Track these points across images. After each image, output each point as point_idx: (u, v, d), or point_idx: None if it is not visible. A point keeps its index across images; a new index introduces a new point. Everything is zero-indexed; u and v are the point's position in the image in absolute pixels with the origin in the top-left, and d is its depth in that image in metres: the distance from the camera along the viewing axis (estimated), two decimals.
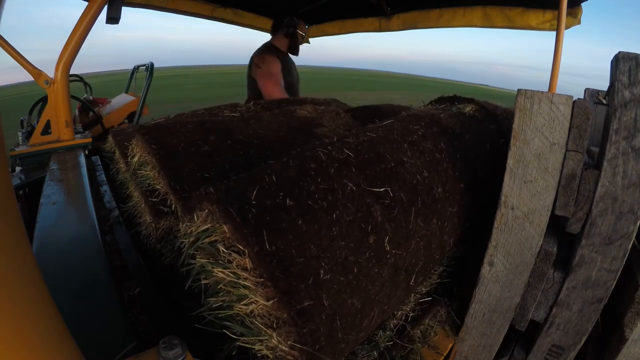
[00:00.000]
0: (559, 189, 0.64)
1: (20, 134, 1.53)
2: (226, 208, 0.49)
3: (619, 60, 0.58)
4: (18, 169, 1.41)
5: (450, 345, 0.82)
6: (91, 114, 2.38)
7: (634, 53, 0.58)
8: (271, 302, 0.45)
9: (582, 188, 0.62)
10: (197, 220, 0.53)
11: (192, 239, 0.54)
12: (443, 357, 0.79)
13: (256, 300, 0.46)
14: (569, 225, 0.65)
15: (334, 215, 0.56)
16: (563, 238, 0.70)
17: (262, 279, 0.46)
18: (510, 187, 0.68)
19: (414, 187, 0.73)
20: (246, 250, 0.47)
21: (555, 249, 0.68)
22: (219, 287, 0.50)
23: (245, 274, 0.47)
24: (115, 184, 1.10)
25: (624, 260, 0.61)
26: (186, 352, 0.43)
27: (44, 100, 1.58)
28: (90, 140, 1.58)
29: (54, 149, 1.46)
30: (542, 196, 0.66)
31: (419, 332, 0.77)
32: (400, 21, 2.61)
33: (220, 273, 0.49)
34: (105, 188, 1.15)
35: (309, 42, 3.23)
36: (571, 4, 1.65)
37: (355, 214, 0.59)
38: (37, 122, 1.52)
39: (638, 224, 0.58)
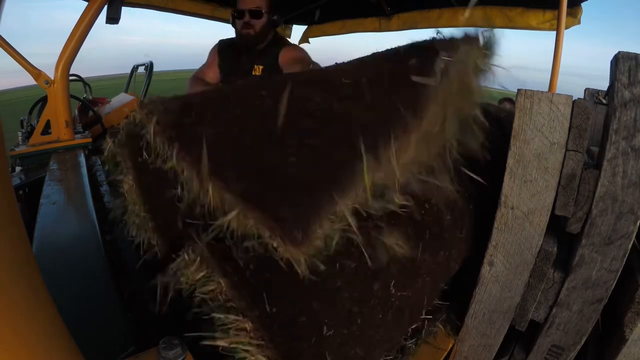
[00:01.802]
0: (559, 189, 0.64)
1: (20, 134, 1.53)
2: (222, 262, 0.46)
3: (618, 60, 0.58)
4: (18, 169, 1.41)
5: (450, 345, 0.82)
6: (91, 113, 2.38)
7: (634, 53, 0.58)
8: None
9: (582, 188, 0.62)
10: (190, 263, 0.50)
11: (187, 288, 0.50)
12: (443, 357, 0.79)
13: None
14: (569, 225, 0.65)
15: (337, 265, 0.52)
16: (563, 238, 0.70)
17: (263, 342, 0.44)
18: (510, 187, 0.68)
19: (422, 217, 0.67)
20: (245, 313, 0.45)
21: (555, 249, 0.68)
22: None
23: (245, 339, 0.45)
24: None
25: (624, 260, 0.61)
26: (186, 352, 0.43)
27: (43, 100, 1.57)
28: (90, 140, 1.58)
29: (54, 149, 1.46)
30: (542, 196, 0.66)
31: (418, 337, 0.76)
32: (401, 21, 2.61)
33: (220, 342, 0.46)
34: (105, 188, 1.15)
35: (308, 42, 3.23)
36: (571, 4, 1.65)
37: (360, 259, 0.55)
38: (37, 122, 1.52)
39: (638, 224, 0.58)
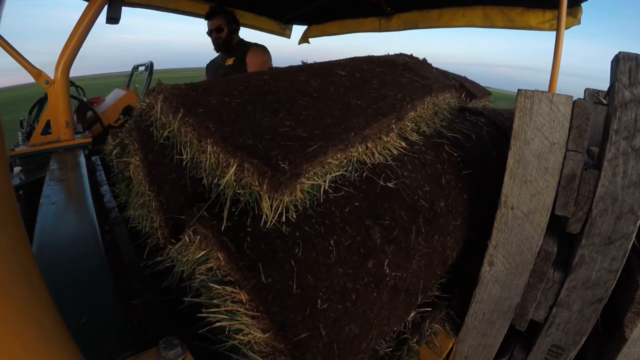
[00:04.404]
0: (559, 189, 0.64)
1: (20, 134, 1.53)
2: (221, 236, 0.47)
3: (619, 61, 0.58)
4: (18, 169, 1.41)
5: (450, 345, 0.82)
6: (89, 113, 2.38)
7: (634, 53, 0.58)
8: (267, 334, 0.45)
9: (582, 188, 0.62)
10: (191, 244, 0.51)
11: (188, 268, 0.52)
12: (443, 357, 0.79)
13: (253, 332, 0.45)
14: (569, 225, 0.65)
15: (332, 241, 0.54)
16: (563, 238, 0.70)
17: (258, 313, 0.45)
18: (510, 187, 0.68)
19: (415, 203, 0.69)
20: (242, 284, 0.46)
21: (555, 249, 0.68)
22: (216, 319, 0.49)
23: (241, 310, 0.45)
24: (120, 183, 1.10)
25: (624, 260, 0.61)
26: (186, 352, 0.43)
27: (44, 100, 1.57)
28: (90, 140, 1.58)
29: (54, 149, 1.46)
30: (542, 196, 0.66)
31: (418, 335, 0.77)
32: (400, 21, 2.60)
33: (217, 316, 0.47)
34: (105, 188, 1.15)
35: (308, 42, 3.23)
36: (571, 4, 1.65)
37: (354, 237, 0.57)
38: (37, 122, 1.52)
39: (638, 224, 0.58)
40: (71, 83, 2.69)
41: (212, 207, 0.53)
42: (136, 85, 2.97)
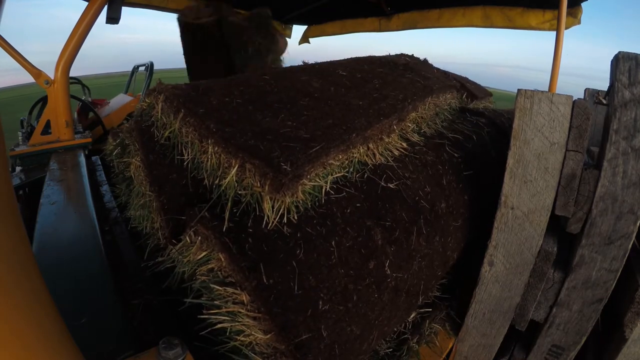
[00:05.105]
0: (559, 189, 0.64)
1: (20, 134, 1.53)
2: (222, 237, 0.47)
3: (619, 60, 0.58)
4: (18, 169, 1.41)
5: (450, 345, 0.82)
6: (91, 114, 2.38)
7: (634, 53, 0.58)
8: (269, 335, 0.45)
9: (582, 188, 0.62)
10: (192, 245, 0.51)
11: (189, 269, 0.52)
12: (443, 357, 0.79)
13: (254, 333, 0.46)
14: (569, 225, 0.65)
15: (333, 242, 0.54)
16: (563, 238, 0.70)
17: (259, 314, 0.45)
18: (510, 187, 0.68)
19: (416, 204, 0.69)
20: (243, 285, 0.46)
21: (555, 249, 0.68)
22: (217, 320, 0.49)
23: (242, 311, 0.45)
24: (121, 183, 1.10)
25: (624, 260, 0.61)
26: (186, 352, 0.43)
27: (43, 100, 1.57)
28: (90, 140, 1.58)
29: (54, 149, 1.46)
30: (542, 196, 0.66)
31: (418, 335, 0.77)
32: (400, 21, 2.61)
33: (218, 317, 0.47)
34: (105, 188, 1.15)
35: (308, 42, 3.23)
36: (571, 4, 1.65)
37: (355, 238, 0.57)
38: (37, 122, 1.52)
39: (638, 224, 0.58)
40: (78, 81, 2.71)
41: (213, 208, 0.52)
42: (140, 94, 2.97)
